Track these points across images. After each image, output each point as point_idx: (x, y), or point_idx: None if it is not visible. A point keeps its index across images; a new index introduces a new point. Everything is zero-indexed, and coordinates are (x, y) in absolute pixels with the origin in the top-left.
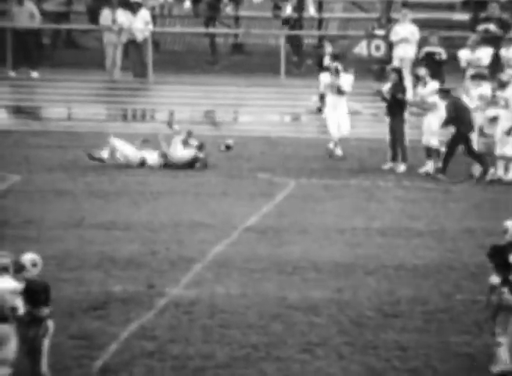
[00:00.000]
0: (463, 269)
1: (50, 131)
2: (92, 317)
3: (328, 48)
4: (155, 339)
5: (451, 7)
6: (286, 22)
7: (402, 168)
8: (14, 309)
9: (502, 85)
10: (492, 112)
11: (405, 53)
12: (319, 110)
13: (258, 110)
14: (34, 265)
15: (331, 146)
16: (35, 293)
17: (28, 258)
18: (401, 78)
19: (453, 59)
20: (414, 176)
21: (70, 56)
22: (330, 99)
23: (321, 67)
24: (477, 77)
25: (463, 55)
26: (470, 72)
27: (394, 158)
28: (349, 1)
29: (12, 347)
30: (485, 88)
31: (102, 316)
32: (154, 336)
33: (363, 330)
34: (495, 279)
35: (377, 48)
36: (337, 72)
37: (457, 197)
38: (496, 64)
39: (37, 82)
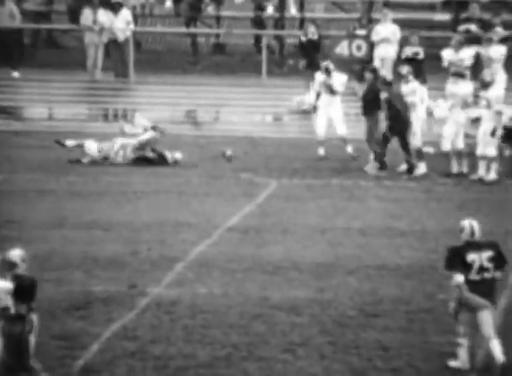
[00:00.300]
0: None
1: (31, 131)
2: (74, 317)
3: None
4: (136, 339)
5: (432, 7)
6: (260, 23)
7: (369, 167)
8: (6, 309)
9: (485, 86)
10: (474, 113)
11: (386, 53)
12: (315, 109)
13: (240, 110)
14: (23, 260)
15: (349, 150)
16: (23, 288)
17: (17, 254)
18: (376, 78)
19: (435, 59)
20: (395, 176)
21: (51, 55)
22: (323, 98)
23: (313, 66)
24: (456, 75)
25: (446, 55)
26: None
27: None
28: (330, 2)
29: None
30: (463, 88)
31: (84, 316)
32: (136, 336)
33: (345, 329)
34: (459, 277)
35: (358, 48)
36: (327, 71)
37: (439, 197)
38: (478, 65)
39: (19, 82)
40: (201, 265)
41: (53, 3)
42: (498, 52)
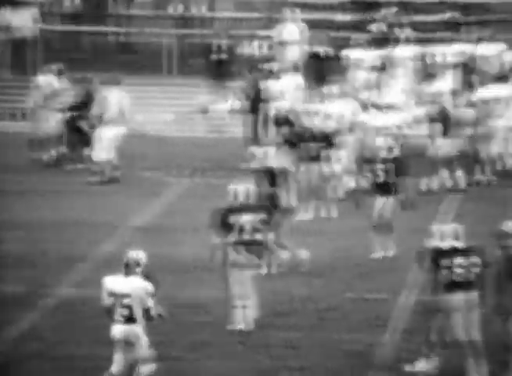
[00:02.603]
0: (354, 267)
1: None
2: None
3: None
4: (44, 340)
5: (337, 8)
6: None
7: None
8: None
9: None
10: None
11: (292, 53)
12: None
13: (148, 109)
14: None
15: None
16: None
17: None
18: (264, 76)
19: (339, 59)
20: None
21: None
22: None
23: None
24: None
25: (350, 54)
26: (356, 72)
27: None
28: (238, 1)
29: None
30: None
31: None
32: (43, 337)
33: (255, 328)
34: (216, 239)
35: (265, 47)
36: (270, 74)
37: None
38: (385, 66)
39: None
40: (108, 265)
41: None
42: (405, 53)
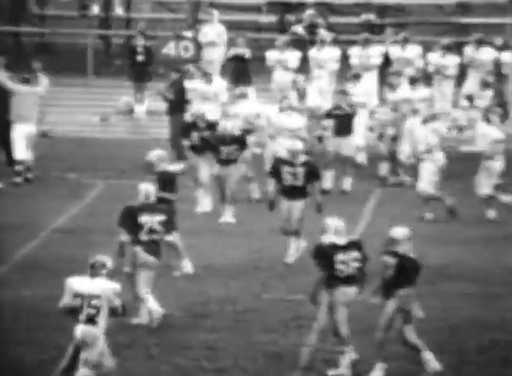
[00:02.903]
0: (270, 268)
1: None
2: None
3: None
4: None
5: (258, 9)
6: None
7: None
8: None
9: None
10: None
11: (213, 54)
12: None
13: (66, 110)
14: None
15: None
16: None
17: None
18: (182, 77)
19: (261, 60)
20: None
21: None
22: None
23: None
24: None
25: (271, 56)
26: (277, 74)
27: None
28: (157, 2)
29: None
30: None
31: None
32: None
33: (172, 330)
34: (124, 237)
35: (186, 49)
36: (193, 75)
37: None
38: (303, 67)
39: None
40: (26, 268)
41: None
42: (325, 54)
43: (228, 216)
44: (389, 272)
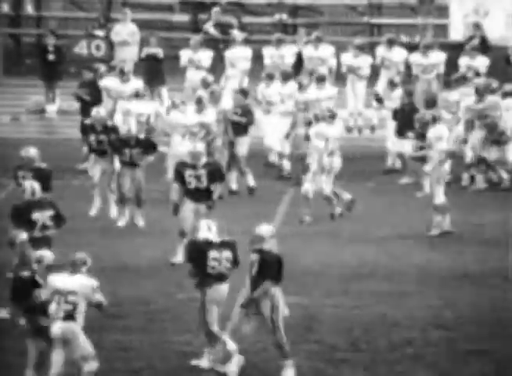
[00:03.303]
0: (184, 268)
1: None
2: None
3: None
4: None
5: (170, 8)
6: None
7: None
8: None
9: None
10: None
11: (126, 54)
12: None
13: None
14: None
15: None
16: None
17: None
18: (95, 77)
19: (174, 59)
20: None
21: None
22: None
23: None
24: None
25: (184, 55)
26: (190, 73)
27: None
28: (68, 0)
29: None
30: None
31: None
32: None
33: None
34: (21, 235)
35: (98, 48)
36: (106, 74)
37: None
38: (217, 66)
39: None
40: None
41: None
42: (238, 53)
43: (138, 220)
44: (254, 270)
